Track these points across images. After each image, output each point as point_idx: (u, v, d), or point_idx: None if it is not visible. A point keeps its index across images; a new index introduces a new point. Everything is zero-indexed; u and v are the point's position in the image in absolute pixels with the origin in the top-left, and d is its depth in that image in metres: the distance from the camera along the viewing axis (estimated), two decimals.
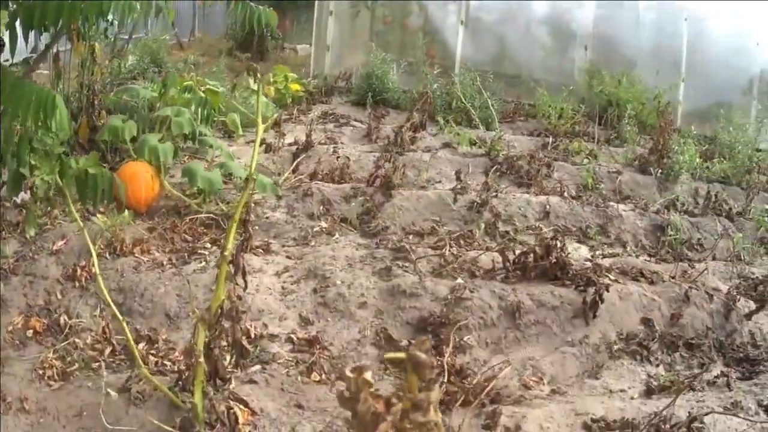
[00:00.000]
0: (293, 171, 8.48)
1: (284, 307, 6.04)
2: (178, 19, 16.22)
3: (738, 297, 7.17)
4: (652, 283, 7.17)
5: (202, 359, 4.07)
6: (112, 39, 8.74)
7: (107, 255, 6.45)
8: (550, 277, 6.71)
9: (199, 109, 7.99)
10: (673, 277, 7.39)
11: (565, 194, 8.82)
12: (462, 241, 7.36)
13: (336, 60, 12.70)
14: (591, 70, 12.67)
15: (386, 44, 12.64)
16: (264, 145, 9.21)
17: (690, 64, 13.48)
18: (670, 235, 8.47)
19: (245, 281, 4.75)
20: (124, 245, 6.52)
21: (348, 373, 2.12)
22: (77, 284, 6.01)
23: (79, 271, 6.11)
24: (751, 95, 13.89)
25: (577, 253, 7.55)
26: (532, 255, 6.73)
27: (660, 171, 10.08)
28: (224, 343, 4.41)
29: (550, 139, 10.75)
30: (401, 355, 2.10)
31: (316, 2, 12.93)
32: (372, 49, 11.84)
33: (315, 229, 7.37)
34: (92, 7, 4.48)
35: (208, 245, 6.74)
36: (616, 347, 6.37)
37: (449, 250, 6.90)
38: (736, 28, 13.73)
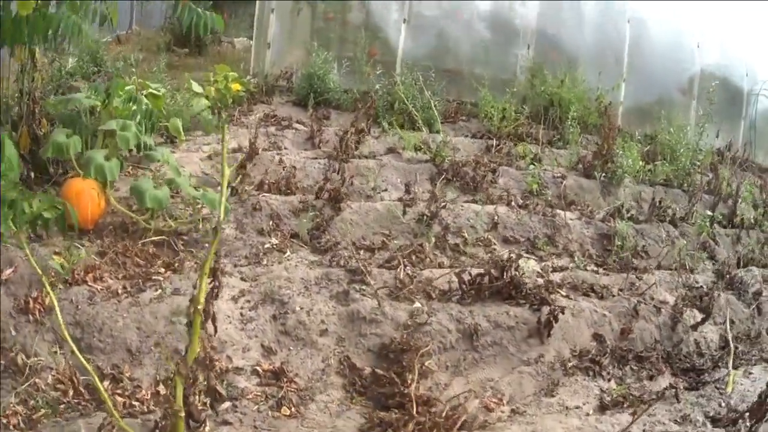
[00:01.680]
0: (240, 182, 8.46)
1: (246, 336, 6.12)
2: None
3: (684, 309, 7.58)
4: (602, 298, 7.56)
5: (182, 413, 4.13)
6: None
7: (59, 284, 6.26)
8: (504, 297, 6.97)
9: (145, 121, 7.87)
10: (621, 290, 7.77)
11: (512, 203, 9.01)
12: (414, 257, 7.54)
13: (277, 57, 12.62)
14: (533, 68, 12.82)
15: (327, 41, 12.63)
16: (207, 154, 9.26)
17: (631, 64, 13.73)
18: (617, 246, 8.74)
19: (215, 327, 4.80)
20: (75, 273, 6.41)
21: None
22: (31, 318, 5.76)
23: (31, 303, 5.86)
24: (691, 95, 14.24)
25: (527, 265, 7.69)
26: (487, 276, 6.95)
27: (604, 175, 10.30)
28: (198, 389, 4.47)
29: (494, 142, 10.89)
30: None
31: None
32: (314, 48, 11.81)
33: (266, 246, 7.44)
34: (38, 29, 4.48)
35: (162, 270, 6.71)
36: (570, 364, 6.71)
37: (404, 271, 7.03)
38: (677, 29, 14.16)
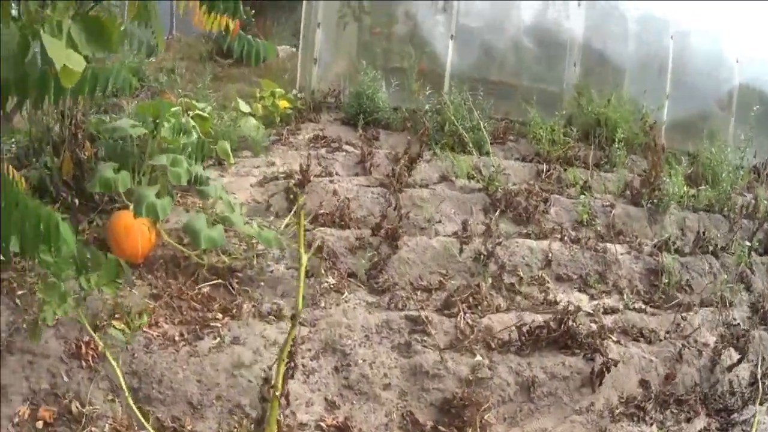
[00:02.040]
0: (293, 213, 8.40)
1: (309, 390, 6.14)
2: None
3: (722, 350, 7.75)
4: (650, 342, 7.69)
5: None
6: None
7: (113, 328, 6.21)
8: (560, 346, 7.07)
9: (196, 153, 7.75)
10: (668, 332, 7.90)
11: (565, 238, 8.98)
12: (471, 299, 7.51)
13: (323, 72, 12.47)
14: (579, 85, 12.66)
15: (374, 56, 12.47)
16: (258, 179, 9.20)
17: (674, 80, 13.58)
18: (664, 283, 8.75)
19: (288, 402, 4.80)
20: (131, 317, 6.33)
21: None
22: (84, 364, 5.64)
23: (83, 348, 5.73)
24: (730, 111, 14.11)
25: (579, 303, 7.87)
26: (546, 328, 7.04)
27: (650, 202, 10.25)
28: None
29: (544, 167, 10.79)
30: None
31: (303, 12, 12.62)
32: (362, 66, 11.61)
33: (323, 286, 7.41)
34: (84, 87, 4.41)
35: (219, 315, 6.68)
36: (617, 411, 6.89)
37: (464, 319, 7.05)
38: (717, 44, 14.05)
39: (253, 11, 15.49)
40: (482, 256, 8.11)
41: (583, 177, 10.70)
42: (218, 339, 6.36)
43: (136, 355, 5.93)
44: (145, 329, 6.26)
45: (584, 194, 10.05)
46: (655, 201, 10.30)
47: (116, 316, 6.20)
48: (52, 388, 5.46)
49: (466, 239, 8.32)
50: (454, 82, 11.88)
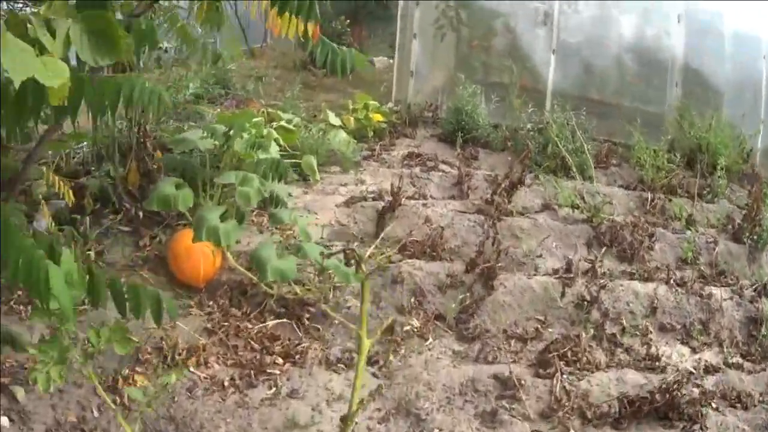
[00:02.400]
0: (380, 240, 6.87)
1: None
2: (250, 25, 14.43)
3: None
4: (745, 408, 6.16)
5: None
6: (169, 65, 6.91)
7: (154, 362, 5.01)
8: (660, 416, 5.56)
9: (271, 172, 6.21)
10: (762, 395, 6.35)
11: (671, 281, 7.30)
12: (570, 353, 5.92)
13: (420, 85, 10.85)
14: (681, 107, 10.83)
15: (472, 69, 10.81)
16: (345, 199, 7.66)
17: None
18: (762, 334, 7.11)
19: None
20: (176, 352, 5.10)
21: None
22: (118, 399, 4.56)
23: (120, 382, 4.71)
24: None
25: (681, 357, 6.47)
26: (649, 400, 5.48)
27: (751, 239, 8.56)
28: None
29: (648, 196, 9.05)
30: None
31: (398, 22, 11.01)
32: (460, 81, 9.98)
33: (405, 329, 5.91)
34: (104, 96, 3.02)
35: (280, 360, 5.29)
36: None
37: (560, 382, 5.47)
38: None
39: (348, 21, 14.21)
40: (585, 302, 6.51)
41: (687, 209, 8.95)
42: (274, 389, 5.03)
43: (176, 399, 4.75)
44: (192, 369, 5.04)
45: (689, 229, 8.43)
46: (755, 237, 8.61)
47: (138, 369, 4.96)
48: (79, 422, 4.46)
49: (569, 281, 6.71)
50: (556, 100, 10.18)
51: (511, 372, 5.45)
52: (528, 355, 5.91)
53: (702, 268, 7.89)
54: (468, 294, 6.26)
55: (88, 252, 5.88)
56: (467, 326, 6.06)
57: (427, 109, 10.56)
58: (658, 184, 9.31)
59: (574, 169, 9.00)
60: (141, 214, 6.40)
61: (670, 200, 9.00)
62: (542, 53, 10.82)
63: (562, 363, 5.71)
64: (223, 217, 5.71)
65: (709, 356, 6.68)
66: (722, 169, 9.65)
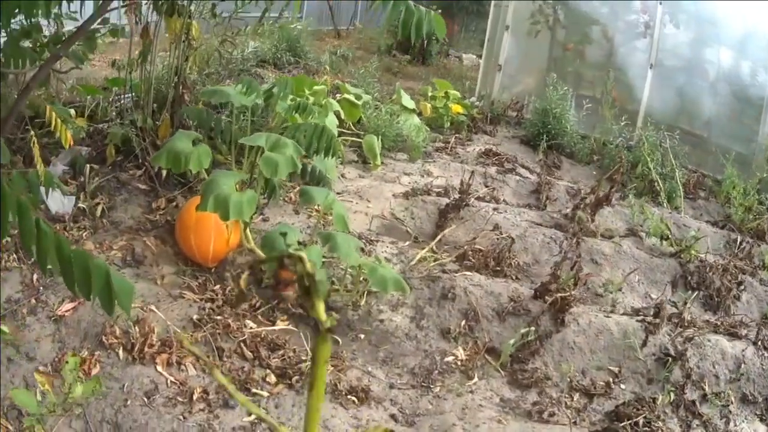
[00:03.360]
0: (437, 241, 5.26)
1: None
2: (340, 5, 12.69)
3: None
4: None
5: None
6: (227, 17, 5.54)
7: (119, 351, 3.56)
8: None
9: (314, 141, 4.64)
10: None
11: (760, 342, 5.37)
12: (642, 422, 4.10)
13: (507, 82, 9.16)
14: None
15: (563, 74, 8.96)
16: (405, 189, 6.03)
17: None
18: None
19: None
20: (148, 343, 3.60)
21: None
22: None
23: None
24: None
25: None
26: None
27: None
28: None
29: (738, 237, 7.22)
30: None
31: (491, 13, 9.40)
32: (552, 80, 8.28)
33: (446, 359, 4.20)
34: None
35: (273, 378, 3.71)
36: None
37: None
38: None
39: (440, 10, 12.45)
40: (669, 358, 4.68)
41: None
42: (252, 417, 3.41)
43: (129, 401, 3.30)
44: (160, 368, 3.54)
45: None
46: None
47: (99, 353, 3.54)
48: None
49: (654, 327, 4.85)
50: (650, 118, 8.42)
51: None
52: (592, 415, 4.12)
53: None
54: (533, 327, 4.49)
55: (96, 205, 4.68)
56: (525, 368, 4.30)
57: (512, 107, 8.85)
58: (746, 226, 7.51)
59: (663, 195, 7.27)
60: (164, 172, 5.01)
61: (758, 245, 7.17)
62: (638, 68, 8.98)
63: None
64: (242, 187, 4.18)
65: None
66: None
